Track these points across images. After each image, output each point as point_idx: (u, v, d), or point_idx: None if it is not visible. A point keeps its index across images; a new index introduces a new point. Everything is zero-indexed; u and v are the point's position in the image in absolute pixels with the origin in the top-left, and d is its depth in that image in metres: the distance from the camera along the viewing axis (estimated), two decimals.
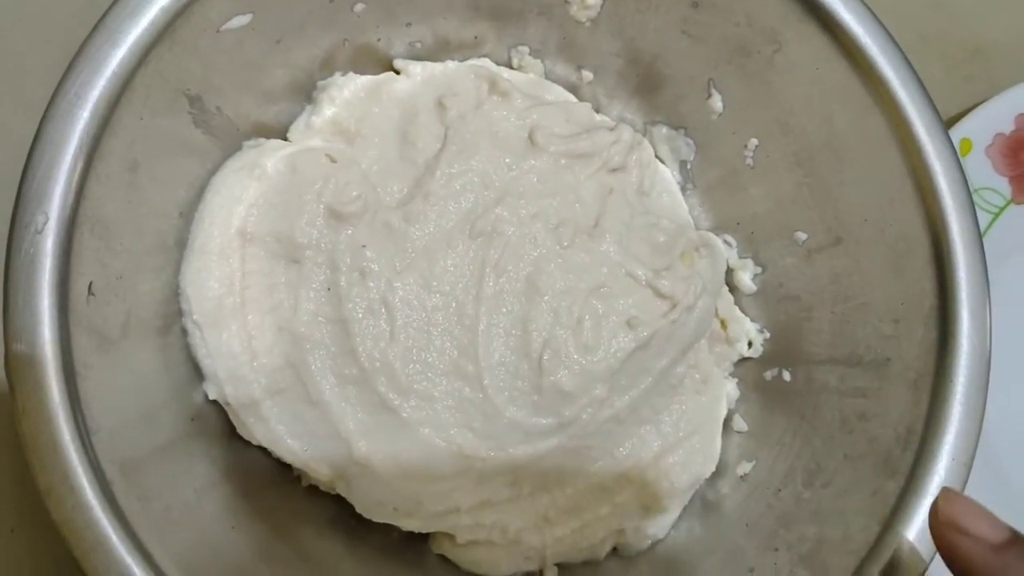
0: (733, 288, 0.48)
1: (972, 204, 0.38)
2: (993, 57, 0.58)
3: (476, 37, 0.47)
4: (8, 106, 0.52)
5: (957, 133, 0.54)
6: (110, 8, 0.36)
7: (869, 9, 0.40)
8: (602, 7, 0.45)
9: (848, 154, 0.42)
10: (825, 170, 0.43)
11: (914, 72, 0.39)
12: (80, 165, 0.35)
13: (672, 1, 0.43)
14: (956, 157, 0.39)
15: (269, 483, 0.43)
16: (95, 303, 0.36)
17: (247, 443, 0.42)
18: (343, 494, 0.42)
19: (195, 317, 0.40)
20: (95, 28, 0.36)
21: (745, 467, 0.45)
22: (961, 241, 0.38)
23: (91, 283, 0.35)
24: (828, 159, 0.43)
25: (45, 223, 0.34)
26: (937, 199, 0.39)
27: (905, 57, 0.40)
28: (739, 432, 0.46)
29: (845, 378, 0.42)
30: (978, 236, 0.38)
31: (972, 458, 0.36)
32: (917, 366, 0.39)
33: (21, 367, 0.33)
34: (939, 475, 0.36)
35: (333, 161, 0.43)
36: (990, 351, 0.37)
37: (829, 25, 0.40)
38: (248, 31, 0.40)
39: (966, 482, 0.36)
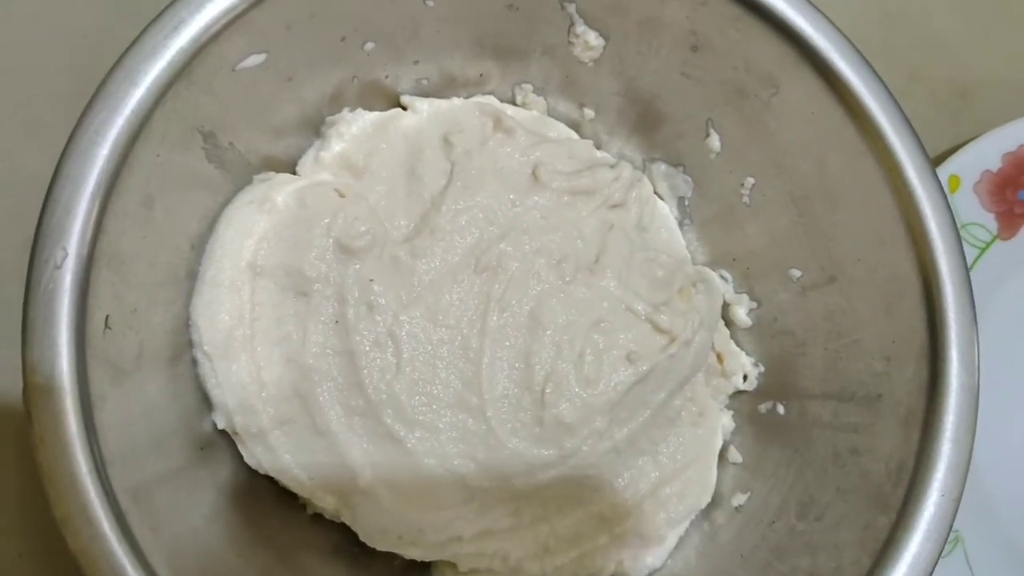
0: (729, 322, 0.49)
1: (961, 247, 0.40)
2: (980, 96, 0.59)
3: (481, 75, 0.49)
4: (22, 137, 0.53)
5: (946, 170, 0.55)
6: (129, 48, 0.37)
7: (863, 57, 0.41)
8: (604, 48, 0.46)
9: (841, 196, 0.43)
10: (819, 210, 0.44)
11: (906, 119, 0.41)
12: (98, 201, 0.35)
13: (672, 44, 0.45)
14: (946, 201, 0.40)
15: (274, 510, 0.44)
16: (111, 336, 0.36)
17: (254, 471, 0.43)
18: (347, 522, 0.43)
19: (205, 348, 0.41)
20: (114, 67, 0.37)
21: (740, 498, 0.46)
22: (951, 283, 0.39)
23: (107, 316, 0.36)
24: (822, 200, 0.44)
25: (64, 259, 0.35)
26: (927, 242, 0.40)
27: (897, 104, 0.41)
28: (734, 464, 0.47)
29: (838, 413, 0.43)
30: (967, 278, 0.39)
31: (961, 494, 0.38)
32: (908, 403, 0.40)
33: (39, 399, 0.34)
34: (929, 511, 0.37)
35: (342, 196, 0.44)
36: (978, 390, 0.39)
37: (824, 72, 0.41)
38: (262, 70, 0.41)
39: (954, 517, 0.37)
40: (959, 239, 0.40)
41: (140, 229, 0.38)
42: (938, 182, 0.40)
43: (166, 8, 0.37)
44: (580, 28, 0.45)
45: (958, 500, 0.38)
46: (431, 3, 0.43)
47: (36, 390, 0.34)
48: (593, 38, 0.46)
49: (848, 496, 0.41)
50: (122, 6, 0.55)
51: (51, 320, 0.34)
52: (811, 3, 0.42)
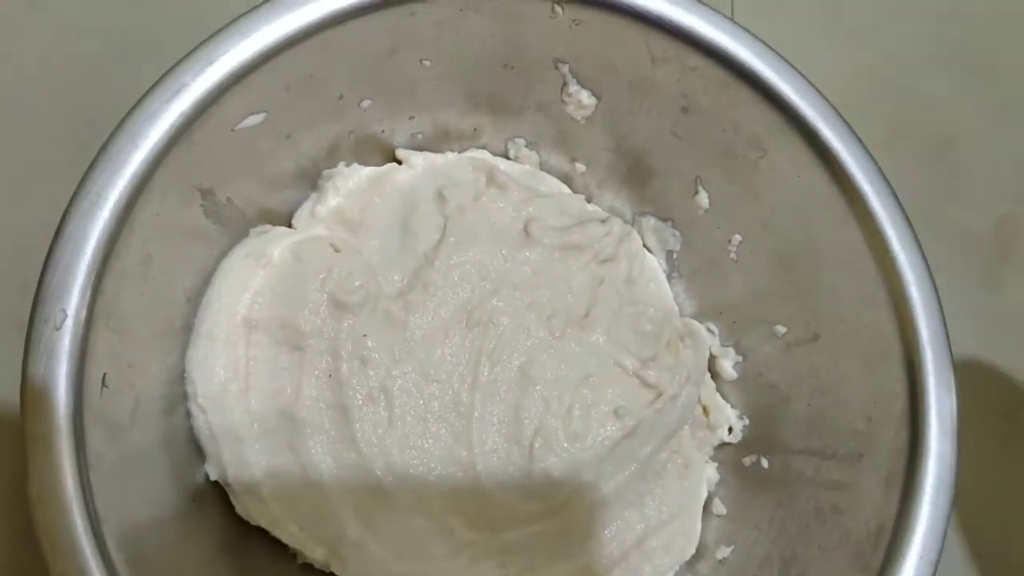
0: (715, 375, 0.50)
1: (941, 313, 0.41)
2: (962, 150, 0.60)
3: (475, 129, 0.49)
4: (23, 175, 0.53)
5: None
6: (131, 111, 0.37)
7: (847, 124, 0.42)
8: (596, 107, 0.47)
9: (826, 257, 0.44)
10: (804, 270, 0.45)
11: (889, 186, 0.42)
12: (98, 262, 0.36)
13: (663, 106, 0.46)
14: (927, 267, 0.41)
15: (265, 561, 0.44)
16: (108, 394, 0.37)
17: (245, 522, 0.43)
18: (337, 573, 0.44)
19: (200, 400, 0.42)
20: (116, 130, 0.37)
21: (724, 551, 0.46)
22: (931, 349, 0.40)
23: (105, 375, 0.37)
24: (807, 260, 0.45)
25: (63, 320, 0.35)
26: (908, 306, 0.41)
27: (881, 172, 0.42)
28: (718, 516, 0.48)
29: (820, 469, 0.44)
30: (947, 344, 0.40)
31: (939, 557, 0.38)
32: (888, 464, 0.41)
33: (37, 459, 0.34)
34: (908, 573, 0.38)
35: (337, 250, 0.45)
36: (957, 455, 0.39)
37: (810, 138, 0.42)
38: (260, 128, 0.41)
39: None
40: (940, 305, 0.41)
41: (138, 287, 0.39)
42: (919, 248, 0.41)
43: (168, 72, 0.38)
44: (573, 88, 0.46)
45: (936, 563, 0.38)
46: (428, 63, 0.44)
47: (35, 450, 0.34)
48: (586, 97, 0.47)
49: (830, 554, 0.42)
50: (122, 57, 0.56)
51: (50, 382, 0.35)
52: (797, 70, 0.42)
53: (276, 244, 0.44)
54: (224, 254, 0.44)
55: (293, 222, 0.47)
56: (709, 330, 0.50)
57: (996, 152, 0.61)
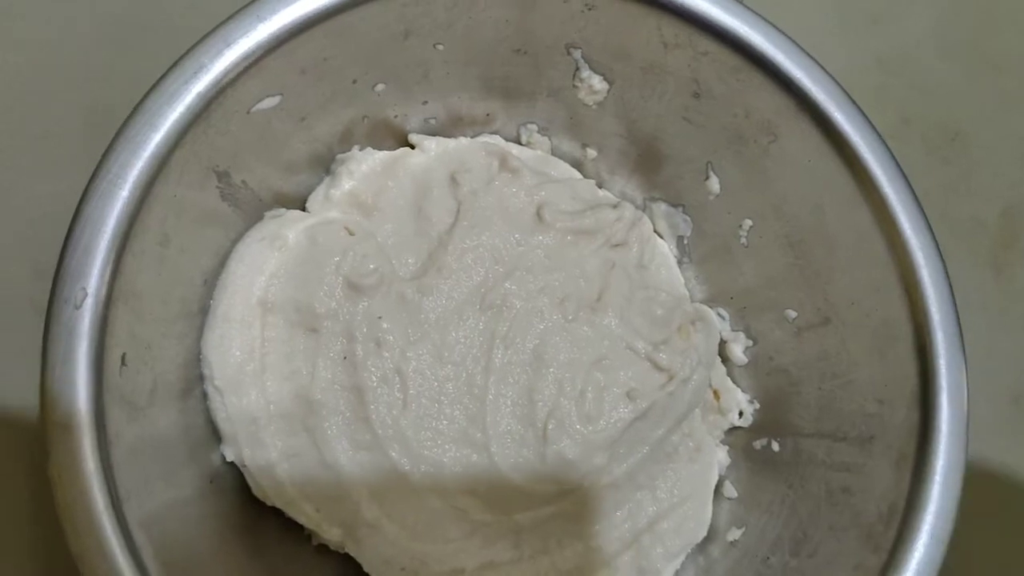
0: (725, 359, 0.51)
1: (952, 296, 0.41)
2: (971, 139, 0.61)
3: (488, 114, 0.50)
4: (36, 168, 0.53)
5: None
6: (150, 92, 0.38)
7: (859, 108, 0.43)
8: (608, 92, 0.47)
9: (837, 242, 0.44)
10: (815, 254, 0.45)
11: (900, 170, 0.42)
12: (117, 242, 0.36)
13: (674, 91, 0.46)
14: (938, 251, 0.41)
15: (280, 541, 0.45)
16: (127, 373, 0.37)
17: (261, 503, 0.44)
18: (352, 553, 0.44)
19: (216, 382, 0.42)
20: (135, 111, 0.37)
21: (735, 533, 0.47)
22: (942, 330, 0.40)
23: (124, 354, 0.37)
24: (818, 244, 0.45)
25: (84, 299, 0.35)
26: (919, 290, 0.41)
27: (892, 155, 0.42)
28: (729, 499, 0.48)
29: (831, 452, 0.44)
30: (957, 326, 0.41)
31: (949, 536, 0.39)
32: (899, 446, 0.41)
33: (57, 437, 0.35)
34: (919, 552, 0.38)
35: (351, 234, 0.45)
36: (968, 435, 0.40)
37: (821, 122, 0.42)
38: (276, 111, 0.42)
39: (943, 560, 0.39)
40: (950, 288, 0.41)
41: (156, 267, 0.39)
42: (931, 232, 0.41)
43: (186, 53, 0.38)
44: (585, 73, 0.47)
45: (946, 543, 0.39)
46: (440, 47, 0.44)
47: (54, 428, 0.35)
48: (597, 82, 0.47)
49: (840, 535, 0.42)
50: (136, 44, 0.56)
51: (70, 360, 0.35)
52: (809, 55, 0.43)
53: (291, 227, 0.45)
54: (240, 237, 0.44)
55: (307, 206, 0.47)
56: (720, 315, 0.51)
57: (1003, 142, 0.61)
